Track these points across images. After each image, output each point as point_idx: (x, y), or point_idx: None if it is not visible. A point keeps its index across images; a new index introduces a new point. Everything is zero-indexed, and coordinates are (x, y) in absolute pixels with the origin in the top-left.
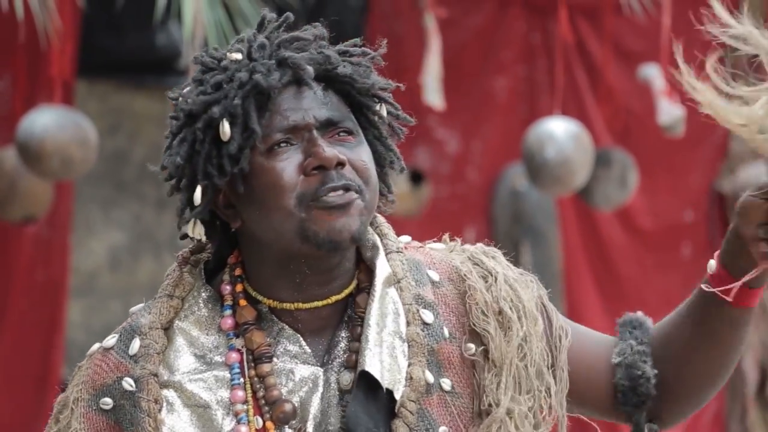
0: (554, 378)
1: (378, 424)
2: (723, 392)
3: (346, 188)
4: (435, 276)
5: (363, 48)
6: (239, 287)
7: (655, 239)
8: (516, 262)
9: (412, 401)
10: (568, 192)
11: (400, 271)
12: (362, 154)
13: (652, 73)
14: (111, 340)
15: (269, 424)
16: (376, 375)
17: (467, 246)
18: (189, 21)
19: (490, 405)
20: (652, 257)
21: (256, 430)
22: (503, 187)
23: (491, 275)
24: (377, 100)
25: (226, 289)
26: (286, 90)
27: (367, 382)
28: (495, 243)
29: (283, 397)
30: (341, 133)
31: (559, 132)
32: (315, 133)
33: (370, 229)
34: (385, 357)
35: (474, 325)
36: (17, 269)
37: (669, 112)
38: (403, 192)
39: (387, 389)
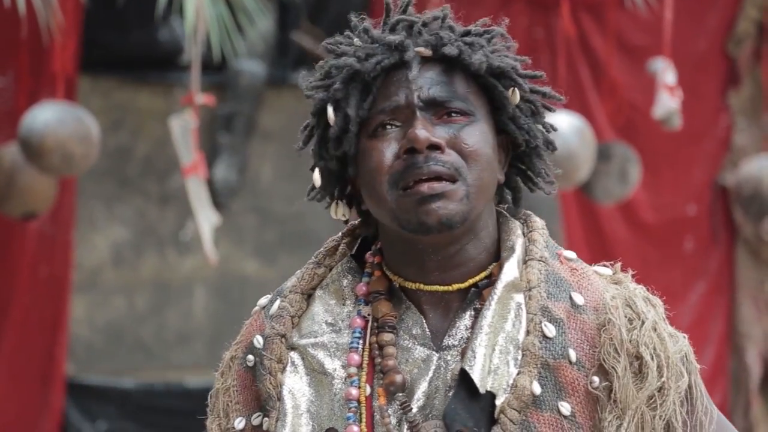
0: None
1: (479, 424)
2: (727, 386)
3: (436, 177)
4: (579, 300)
5: (489, 28)
6: (378, 258)
7: (658, 233)
8: None
9: (515, 410)
10: (571, 186)
11: (535, 280)
12: (471, 136)
13: (661, 66)
14: (264, 300)
15: (380, 390)
16: (475, 376)
17: (632, 285)
18: (191, 17)
19: None
20: (654, 251)
21: (366, 396)
22: None
23: (639, 318)
24: (506, 81)
25: (370, 258)
26: (396, 72)
27: (464, 382)
28: None
29: (397, 368)
30: (452, 114)
31: (563, 126)
32: (418, 113)
33: (516, 231)
34: (495, 360)
35: (603, 360)
36: (20, 266)
37: (664, 104)
38: None
39: (491, 393)
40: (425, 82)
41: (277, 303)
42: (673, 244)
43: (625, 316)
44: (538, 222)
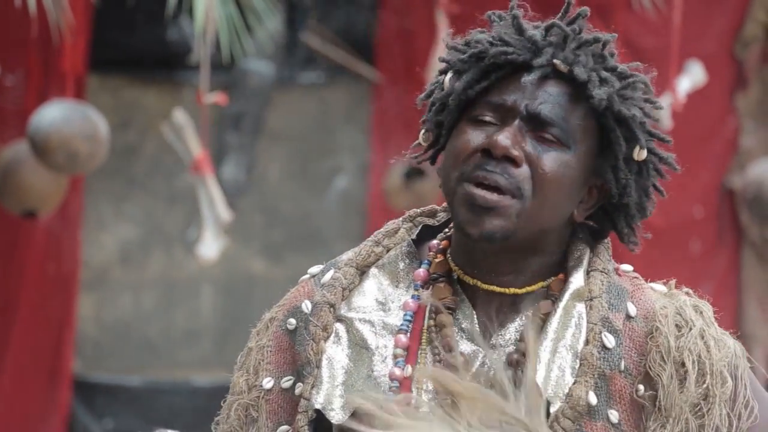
0: None
1: None
2: None
3: (495, 186)
4: (633, 310)
5: (632, 72)
6: (445, 243)
7: (664, 235)
8: None
9: (568, 419)
10: None
11: (596, 290)
12: (552, 162)
13: (693, 71)
14: (316, 268)
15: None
16: (539, 382)
17: (683, 296)
18: (200, 16)
19: None
20: (660, 253)
21: (405, 378)
22: None
23: (687, 326)
24: (626, 130)
25: (434, 244)
26: (522, 72)
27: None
28: None
29: (458, 350)
30: (547, 136)
31: None
32: (517, 121)
33: (582, 244)
34: (554, 368)
35: (649, 368)
36: (28, 263)
37: None
38: (398, 186)
39: (548, 400)
40: (542, 96)
41: (331, 273)
42: (680, 246)
43: (675, 324)
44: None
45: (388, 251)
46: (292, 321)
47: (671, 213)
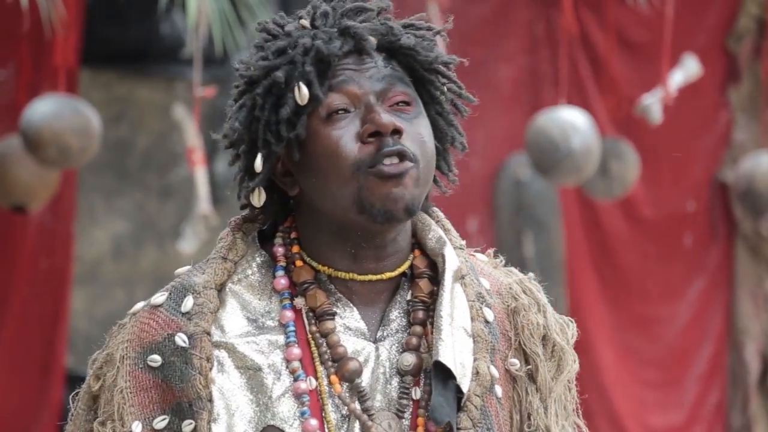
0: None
1: (453, 415)
2: (725, 382)
3: (402, 155)
4: (486, 284)
5: (429, 23)
6: (295, 248)
7: (657, 229)
8: (518, 251)
9: (477, 396)
10: (582, 181)
11: (464, 268)
12: (420, 127)
13: (688, 64)
14: (160, 298)
15: (334, 378)
16: (450, 365)
17: (513, 270)
18: (193, 10)
19: (537, 428)
20: (653, 247)
21: (310, 390)
22: (506, 177)
23: (540, 306)
24: (440, 76)
25: (279, 251)
26: (347, 58)
27: (438, 373)
28: (497, 233)
29: (349, 355)
30: (399, 104)
31: (579, 122)
32: (372, 99)
33: (430, 221)
34: (456, 350)
35: (524, 344)
36: (21, 258)
37: (643, 99)
38: None
39: (454, 382)
40: (376, 71)
41: (190, 300)
42: (673, 240)
43: (529, 303)
44: (440, 212)
45: (235, 265)
46: (156, 357)
47: (664, 207)
